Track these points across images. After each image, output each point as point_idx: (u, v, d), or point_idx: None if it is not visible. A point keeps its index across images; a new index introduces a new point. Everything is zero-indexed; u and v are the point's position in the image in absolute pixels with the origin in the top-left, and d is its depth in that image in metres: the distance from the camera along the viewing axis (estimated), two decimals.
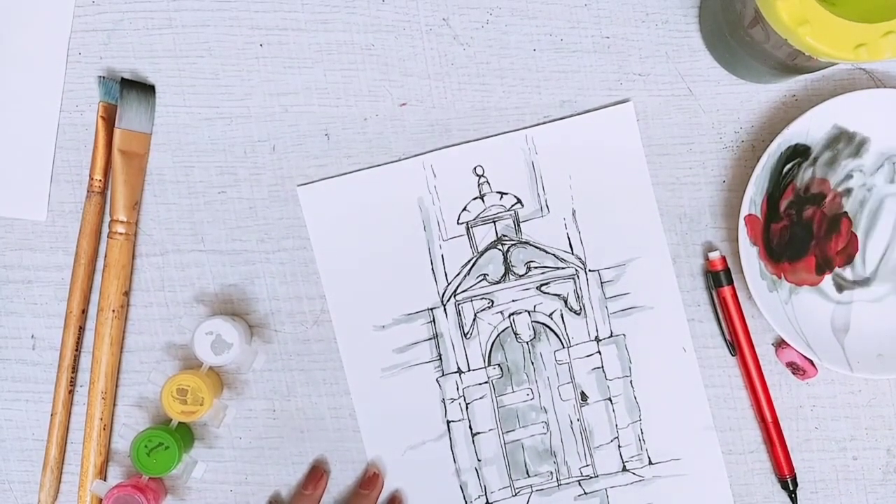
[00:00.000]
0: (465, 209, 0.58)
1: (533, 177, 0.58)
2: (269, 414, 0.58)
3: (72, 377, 0.57)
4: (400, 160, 0.58)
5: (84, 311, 0.58)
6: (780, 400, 0.58)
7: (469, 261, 0.58)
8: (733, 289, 0.57)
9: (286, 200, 0.58)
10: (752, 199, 0.55)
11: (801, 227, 0.57)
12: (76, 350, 0.57)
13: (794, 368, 0.57)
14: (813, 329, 0.56)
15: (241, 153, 0.58)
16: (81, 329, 0.58)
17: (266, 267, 0.58)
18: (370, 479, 0.57)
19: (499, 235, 0.58)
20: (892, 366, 0.55)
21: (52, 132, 0.58)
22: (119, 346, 0.58)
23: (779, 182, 0.56)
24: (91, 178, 0.57)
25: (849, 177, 0.57)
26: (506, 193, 0.58)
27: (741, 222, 0.55)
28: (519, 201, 0.58)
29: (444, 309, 0.58)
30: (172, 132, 0.58)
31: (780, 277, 0.57)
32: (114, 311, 0.57)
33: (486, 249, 0.58)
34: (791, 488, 0.57)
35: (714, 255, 0.57)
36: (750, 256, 0.55)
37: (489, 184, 0.58)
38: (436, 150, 0.58)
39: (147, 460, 0.55)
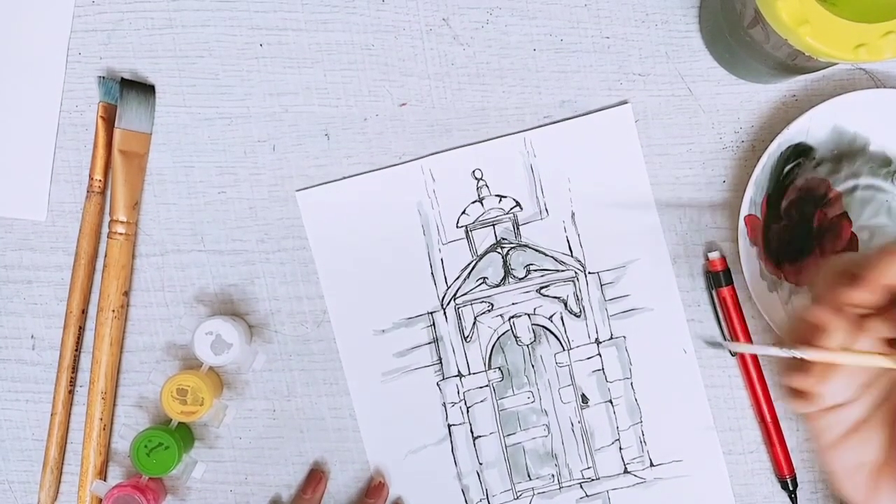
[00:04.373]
0: (464, 213, 0.58)
1: (532, 180, 0.58)
2: (269, 414, 0.58)
3: (72, 377, 0.57)
4: (398, 164, 0.58)
5: (84, 311, 0.58)
6: (781, 400, 0.58)
7: (468, 264, 0.58)
8: (733, 289, 0.57)
9: (286, 201, 0.58)
10: (752, 200, 0.55)
11: (802, 227, 0.57)
12: (76, 350, 0.57)
13: None
14: None
15: (241, 153, 0.58)
16: (81, 329, 0.58)
17: (266, 267, 0.58)
18: (375, 488, 0.57)
19: (498, 239, 0.58)
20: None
21: (52, 132, 0.58)
22: (119, 346, 0.58)
23: (779, 182, 0.56)
24: (91, 178, 0.57)
25: (849, 177, 0.57)
26: (505, 196, 0.58)
27: (741, 222, 0.55)
28: (518, 204, 0.58)
29: (444, 313, 0.58)
30: (172, 132, 0.58)
31: (780, 278, 0.57)
32: (114, 311, 0.57)
33: (486, 253, 0.58)
34: (791, 488, 0.57)
35: (714, 255, 0.57)
36: (750, 257, 0.55)
37: (488, 187, 0.58)
38: (434, 153, 0.58)
39: (147, 460, 0.55)
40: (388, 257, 0.58)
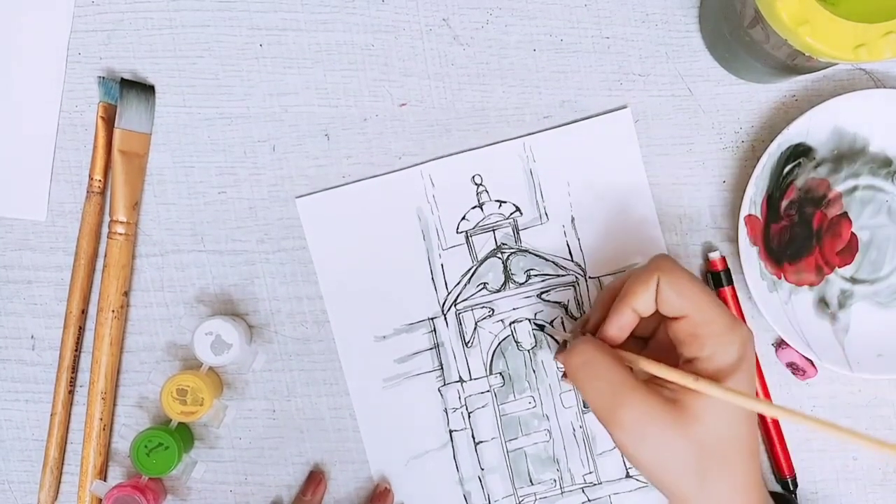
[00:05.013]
0: (464, 218, 0.58)
1: (531, 185, 0.58)
2: (269, 414, 0.58)
3: (72, 377, 0.57)
4: (398, 170, 0.58)
5: (84, 312, 0.58)
6: (780, 400, 0.58)
7: (469, 269, 0.58)
8: (733, 289, 0.57)
9: (286, 201, 0.58)
10: (752, 199, 0.55)
11: (802, 227, 0.57)
12: (76, 350, 0.57)
13: (794, 368, 0.57)
14: (813, 329, 0.56)
15: (241, 153, 0.58)
16: (81, 329, 0.58)
17: (266, 267, 0.58)
18: (381, 494, 0.57)
19: (498, 244, 0.58)
20: (892, 366, 0.55)
21: (52, 132, 0.58)
22: (119, 347, 0.58)
23: (779, 182, 0.56)
24: (91, 178, 0.57)
25: (849, 177, 0.57)
26: (504, 202, 0.58)
27: (741, 222, 0.55)
28: (518, 209, 0.58)
29: (445, 318, 0.58)
30: (172, 132, 0.58)
31: (780, 278, 0.57)
32: (114, 311, 0.57)
33: (486, 258, 0.58)
34: (791, 489, 0.57)
35: (714, 256, 0.57)
36: (750, 257, 0.55)
37: (488, 192, 0.58)
38: (434, 159, 0.58)
39: (147, 460, 0.55)
40: (389, 263, 0.58)
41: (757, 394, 0.57)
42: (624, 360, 0.48)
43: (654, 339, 0.52)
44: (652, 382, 0.47)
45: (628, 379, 0.46)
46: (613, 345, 0.49)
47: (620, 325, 0.49)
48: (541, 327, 0.57)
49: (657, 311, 0.49)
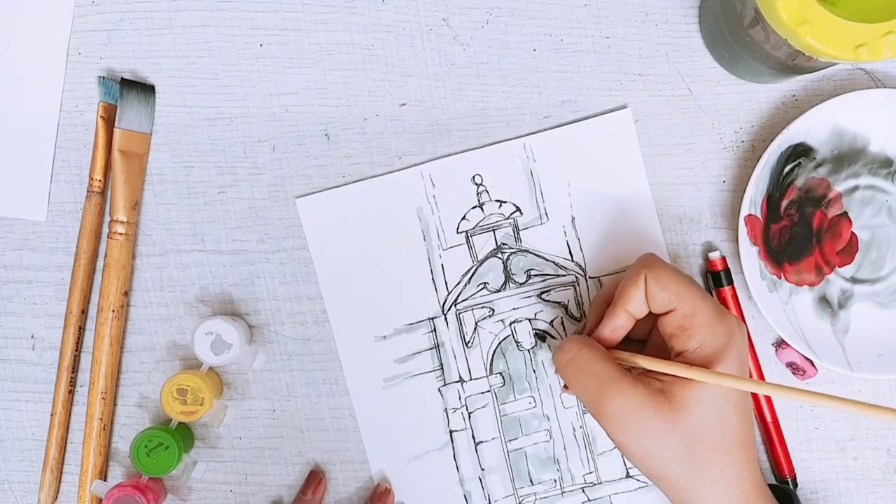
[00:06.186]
0: (464, 218, 0.58)
1: (532, 185, 0.58)
2: (269, 414, 0.58)
3: (72, 377, 0.57)
4: (398, 170, 0.58)
5: (84, 311, 0.58)
6: (781, 402, 0.58)
7: (469, 269, 0.58)
8: (733, 289, 0.57)
9: (286, 201, 0.58)
10: (753, 199, 0.55)
11: (802, 227, 0.57)
12: (76, 350, 0.57)
13: (794, 368, 0.57)
14: (813, 329, 0.56)
15: (241, 153, 0.58)
16: (81, 329, 0.58)
17: (266, 267, 0.58)
18: (381, 495, 0.57)
19: (498, 244, 0.58)
20: (892, 366, 0.55)
21: (52, 132, 0.58)
22: (119, 346, 0.58)
23: (779, 182, 0.56)
24: (91, 178, 0.57)
25: (849, 177, 0.57)
26: (505, 202, 0.58)
27: (741, 222, 0.55)
28: (518, 209, 0.58)
29: (445, 318, 0.58)
30: (172, 132, 0.58)
31: (780, 277, 0.57)
32: (114, 311, 0.57)
33: (486, 258, 0.58)
34: (791, 488, 0.57)
35: (714, 256, 0.57)
36: (750, 256, 0.55)
37: (488, 192, 0.58)
38: (434, 159, 0.58)
39: (147, 460, 0.55)
40: (389, 263, 0.58)
41: (756, 394, 0.57)
42: (617, 359, 0.49)
43: (649, 341, 0.53)
44: (645, 376, 0.48)
45: (613, 371, 0.47)
46: (608, 345, 0.50)
47: (614, 327, 0.50)
48: (542, 338, 0.57)
49: (651, 314, 0.49)
